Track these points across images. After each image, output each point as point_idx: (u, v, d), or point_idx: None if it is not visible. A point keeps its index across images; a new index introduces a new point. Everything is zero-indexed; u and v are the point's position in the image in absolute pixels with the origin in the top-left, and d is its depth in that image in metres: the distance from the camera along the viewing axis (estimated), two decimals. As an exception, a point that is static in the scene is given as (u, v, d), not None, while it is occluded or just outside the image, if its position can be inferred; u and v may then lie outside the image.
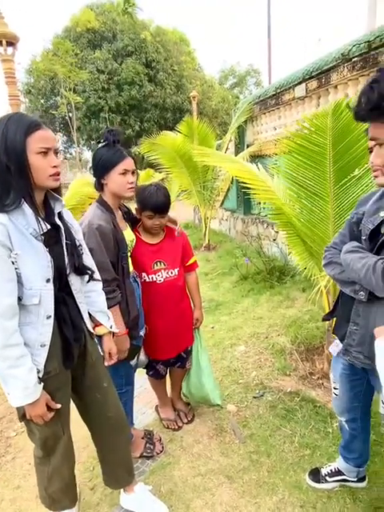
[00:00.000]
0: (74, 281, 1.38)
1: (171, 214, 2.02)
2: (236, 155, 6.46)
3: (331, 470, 1.81)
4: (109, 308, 1.63)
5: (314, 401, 2.39)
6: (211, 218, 7.19)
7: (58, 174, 1.24)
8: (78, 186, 4.25)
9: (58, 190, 1.34)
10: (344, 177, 2.14)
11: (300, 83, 4.61)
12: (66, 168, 23.22)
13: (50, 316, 1.26)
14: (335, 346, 1.54)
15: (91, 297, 1.51)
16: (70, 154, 26.53)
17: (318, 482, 1.81)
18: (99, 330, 1.55)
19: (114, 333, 1.63)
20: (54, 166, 1.22)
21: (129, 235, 1.87)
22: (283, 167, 2.43)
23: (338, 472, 1.80)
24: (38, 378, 1.24)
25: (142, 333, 1.95)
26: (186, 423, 2.31)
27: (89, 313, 1.51)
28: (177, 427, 2.28)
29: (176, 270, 2.02)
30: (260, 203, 5.06)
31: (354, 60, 3.61)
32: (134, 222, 1.99)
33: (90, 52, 21.99)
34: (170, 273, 2.00)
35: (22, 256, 1.17)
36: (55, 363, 1.32)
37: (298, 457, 2.00)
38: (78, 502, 1.71)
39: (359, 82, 3.67)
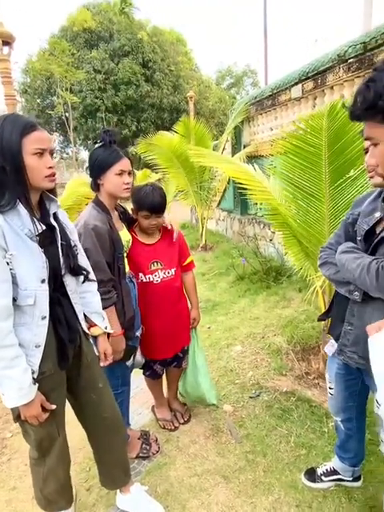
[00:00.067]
0: (69, 281, 1.38)
1: (168, 216, 2.03)
2: (233, 156, 6.47)
3: (327, 470, 1.82)
4: (104, 308, 1.63)
5: (309, 400, 2.40)
6: (208, 219, 7.20)
7: (53, 174, 1.24)
8: (75, 185, 4.24)
9: (53, 191, 1.34)
10: (339, 178, 2.16)
11: (296, 84, 4.63)
12: (63, 168, 23.18)
13: (45, 317, 1.26)
14: (331, 346, 1.55)
15: (86, 297, 1.51)
16: (67, 153, 26.46)
17: (314, 481, 1.82)
18: (94, 331, 1.55)
19: (109, 333, 1.63)
20: (50, 167, 1.23)
21: (125, 236, 1.87)
22: (279, 168, 2.44)
23: (334, 471, 1.80)
24: (33, 378, 1.24)
25: (138, 333, 1.95)
26: (183, 423, 2.32)
27: (84, 313, 1.51)
28: (173, 427, 2.28)
29: (173, 270, 2.02)
30: (256, 204, 5.08)
31: (349, 61, 3.63)
32: (130, 222, 1.99)
33: (86, 52, 21.92)
34: (166, 273, 2.00)
35: (16, 256, 1.17)
36: (50, 364, 1.32)
37: (293, 456, 2.01)
38: (74, 503, 1.71)
39: (355, 83, 3.69)
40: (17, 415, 1.32)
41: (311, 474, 1.84)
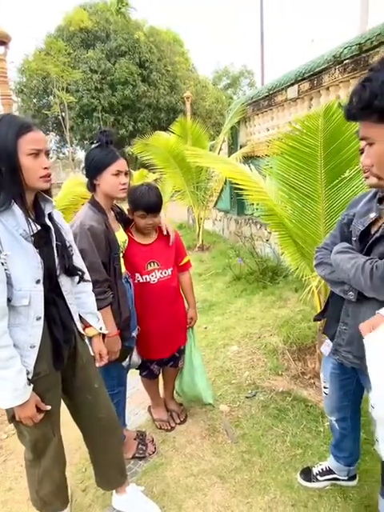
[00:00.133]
0: (65, 282, 1.38)
1: (165, 220, 2.03)
2: (229, 156, 6.48)
3: (322, 469, 1.83)
4: (100, 309, 1.63)
5: (305, 400, 2.41)
6: (205, 219, 7.20)
7: (48, 175, 1.24)
8: (71, 186, 4.23)
9: (48, 192, 1.34)
10: (335, 178, 2.16)
11: (292, 85, 4.64)
12: (59, 168, 23.09)
13: (40, 317, 1.26)
14: (326, 346, 1.56)
15: (81, 298, 1.51)
16: (63, 153, 26.39)
17: (310, 481, 1.83)
18: (89, 332, 1.55)
19: (104, 334, 1.63)
20: (45, 168, 1.23)
21: (121, 236, 1.87)
22: (275, 168, 2.45)
23: (329, 471, 1.81)
24: (28, 379, 1.24)
25: (134, 334, 1.95)
26: (179, 424, 2.32)
27: (79, 314, 1.51)
28: (169, 428, 2.28)
29: (169, 270, 2.02)
30: (253, 204, 5.08)
31: (345, 62, 3.64)
32: (126, 222, 1.99)
33: (83, 51, 21.88)
34: (163, 273, 2.00)
35: (11, 257, 1.17)
36: (45, 364, 1.31)
37: (289, 456, 2.01)
38: (69, 504, 1.71)
39: (350, 84, 3.71)
40: (11, 416, 1.32)
41: (307, 474, 1.85)
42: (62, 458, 1.57)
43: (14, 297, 1.20)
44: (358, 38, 3.47)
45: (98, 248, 1.64)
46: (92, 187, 1.76)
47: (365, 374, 1.10)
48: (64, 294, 1.38)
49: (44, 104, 22.94)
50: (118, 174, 1.69)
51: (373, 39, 3.27)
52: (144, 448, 2.10)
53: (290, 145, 2.18)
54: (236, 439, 2.16)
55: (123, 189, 1.73)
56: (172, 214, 9.84)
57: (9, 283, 1.18)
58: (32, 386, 1.26)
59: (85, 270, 1.50)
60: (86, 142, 23.08)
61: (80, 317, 1.51)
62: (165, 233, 2.01)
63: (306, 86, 4.39)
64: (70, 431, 1.74)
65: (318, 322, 2.54)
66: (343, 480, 1.80)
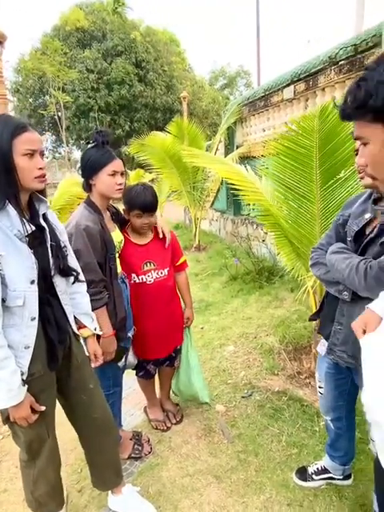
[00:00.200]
0: (59, 282, 1.38)
1: (161, 221, 2.03)
2: (226, 156, 6.49)
3: (317, 469, 1.84)
4: (96, 309, 1.63)
5: (301, 400, 2.41)
6: (201, 219, 7.20)
7: (43, 175, 1.24)
8: (67, 185, 4.22)
9: (42, 192, 1.33)
10: (330, 179, 2.17)
11: (288, 85, 4.65)
12: (55, 168, 23.01)
13: (35, 318, 1.26)
14: (322, 346, 1.56)
15: (76, 298, 1.51)
16: (59, 153, 26.29)
17: (305, 480, 1.83)
18: (83, 332, 1.55)
19: (99, 334, 1.63)
20: (40, 168, 1.23)
21: (117, 236, 1.86)
22: (271, 169, 2.45)
23: (325, 470, 1.82)
24: (22, 380, 1.23)
25: (130, 334, 1.94)
26: (175, 424, 2.32)
27: (73, 315, 1.50)
28: (165, 428, 2.28)
29: (166, 271, 2.02)
30: (249, 204, 5.10)
31: (340, 63, 3.66)
32: (122, 223, 1.99)
33: (79, 51, 21.80)
34: (159, 273, 2.00)
35: (5, 257, 1.17)
36: (39, 365, 1.31)
37: (285, 456, 2.02)
38: (65, 505, 1.70)
39: (346, 84, 3.72)
40: (6, 417, 1.31)
41: (302, 473, 1.86)
42: (57, 459, 1.56)
43: (9, 297, 1.19)
44: (353, 38, 3.49)
45: (93, 248, 1.64)
46: (88, 187, 1.76)
47: (359, 373, 1.11)
48: (59, 294, 1.37)
49: (40, 104, 22.83)
50: (114, 174, 1.69)
51: (368, 40, 3.28)
52: (140, 448, 2.10)
53: (286, 145, 2.19)
54: (232, 439, 2.17)
55: (119, 189, 1.73)
56: (169, 214, 9.85)
57: (3, 284, 1.18)
58: (26, 386, 1.26)
59: (79, 270, 1.50)
60: (82, 142, 22.98)
61: (75, 317, 1.51)
62: (161, 236, 2.01)
63: (301, 86, 4.40)
64: (65, 432, 1.73)
65: (314, 322, 2.55)
66: (338, 479, 1.81)
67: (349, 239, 1.38)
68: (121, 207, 2.00)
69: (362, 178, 1.34)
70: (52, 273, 1.33)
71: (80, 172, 1.77)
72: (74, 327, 1.49)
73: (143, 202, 1.85)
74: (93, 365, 1.61)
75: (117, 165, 1.70)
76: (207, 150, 6.87)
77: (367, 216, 1.32)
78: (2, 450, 2.25)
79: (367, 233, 1.32)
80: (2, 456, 2.20)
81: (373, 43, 3.24)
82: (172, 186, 7.27)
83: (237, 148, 6.53)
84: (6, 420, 1.32)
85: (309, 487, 1.82)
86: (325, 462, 1.83)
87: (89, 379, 1.55)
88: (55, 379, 1.44)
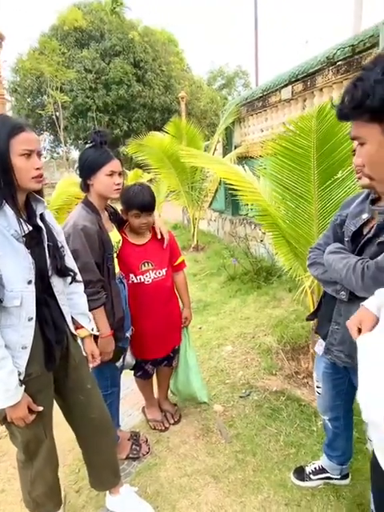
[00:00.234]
0: (56, 282, 1.38)
1: (159, 222, 2.03)
2: (224, 156, 6.49)
3: (315, 468, 1.84)
4: (94, 309, 1.63)
5: (299, 400, 2.42)
6: (200, 219, 7.20)
7: (40, 176, 1.24)
8: (65, 185, 4.22)
9: (39, 192, 1.33)
10: (328, 179, 2.18)
11: (286, 86, 4.66)
12: (53, 167, 22.97)
13: (32, 318, 1.26)
14: (320, 345, 1.57)
15: (73, 299, 1.51)
16: (57, 153, 26.23)
17: (303, 480, 1.84)
18: (81, 333, 1.55)
19: (97, 334, 1.63)
20: (37, 168, 1.23)
21: (115, 236, 1.86)
22: (269, 169, 2.46)
23: (322, 470, 1.82)
24: (19, 380, 1.23)
25: (128, 334, 1.94)
26: (173, 424, 2.32)
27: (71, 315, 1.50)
28: (163, 428, 2.28)
29: (164, 271, 2.02)
30: (247, 204, 5.11)
31: (338, 64, 3.67)
32: (120, 223, 1.99)
33: (77, 51, 21.76)
34: (157, 273, 2.00)
35: (2, 258, 1.16)
36: (37, 365, 1.31)
37: (283, 455, 2.02)
38: (63, 505, 1.70)
39: (343, 85, 3.73)
40: (3, 417, 1.31)
41: (300, 473, 1.86)
42: (55, 459, 1.56)
43: (6, 298, 1.19)
44: (350, 39, 3.50)
45: (91, 248, 1.64)
46: (86, 187, 1.76)
47: (356, 373, 1.11)
48: (56, 294, 1.37)
49: (38, 103, 22.78)
50: (111, 174, 1.69)
51: (365, 41, 3.30)
52: (138, 448, 2.10)
53: (284, 146, 2.19)
54: (230, 439, 2.17)
55: (117, 189, 1.73)
56: (167, 215, 9.84)
57: (0, 284, 1.18)
58: (24, 386, 1.26)
59: (77, 270, 1.50)
60: (80, 142, 22.95)
61: (72, 318, 1.51)
62: (159, 236, 2.01)
63: (299, 87, 4.41)
64: (63, 432, 1.73)
65: (312, 322, 2.55)
66: (336, 479, 1.81)
67: (346, 239, 1.38)
68: (119, 207, 2.00)
69: (359, 178, 1.34)
70: (49, 273, 1.33)
71: (78, 172, 1.77)
72: (72, 327, 1.49)
73: (141, 201, 1.86)
74: (90, 365, 1.61)
75: (115, 165, 1.70)
76: (205, 150, 6.88)
77: (365, 216, 1.32)
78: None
79: (364, 233, 1.32)
80: (-1, 456, 2.20)
81: (370, 44, 3.25)
82: (170, 186, 7.27)
83: (235, 148, 6.54)
84: (4, 420, 1.32)
85: (306, 487, 1.82)
86: (322, 461, 1.83)
87: (86, 379, 1.55)
88: (52, 379, 1.44)
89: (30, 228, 1.24)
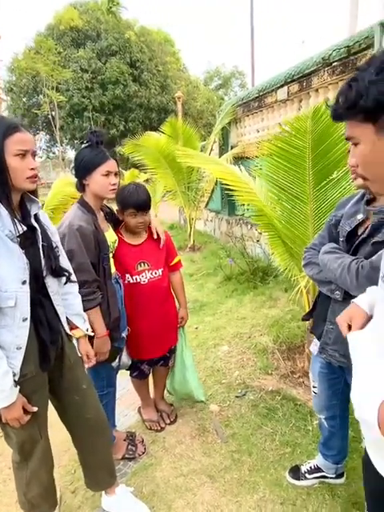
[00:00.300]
0: (51, 283, 1.37)
1: (155, 222, 2.03)
2: (220, 156, 6.50)
3: (311, 467, 1.85)
4: (89, 309, 1.62)
5: (294, 399, 2.43)
6: (196, 219, 7.21)
7: (35, 176, 1.24)
8: (61, 185, 4.20)
9: (34, 192, 1.33)
10: (323, 179, 2.19)
11: (282, 86, 4.67)
12: (49, 167, 22.89)
13: (26, 318, 1.25)
14: (315, 345, 1.58)
15: (68, 299, 1.51)
16: (53, 153, 26.14)
17: (298, 479, 1.84)
18: (76, 333, 1.55)
19: (92, 335, 1.63)
20: (32, 169, 1.22)
21: (111, 236, 1.86)
22: (265, 170, 2.46)
23: (317, 469, 1.83)
24: (14, 381, 1.23)
25: (123, 335, 1.94)
26: (169, 424, 2.32)
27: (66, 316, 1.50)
28: (159, 428, 2.28)
29: (160, 271, 2.02)
30: (243, 205, 5.12)
31: (334, 64, 3.69)
32: (116, 223, 1.99)
33: (73, 50, 21.70)
34: (153, 273, 2.00)
35: None
36: (31, 366, 1.31)
37: (278, 455, 2.03)
38: (58, 506, 1.70)
39: (339, 86, 3.73)
40: (-2, 418, 1.31)
41: (295, 472, 1.87)
42: (50, 460, 1.55)
43: (0, 298, 1.19)
44: (346, 40, 3.52)
45: (86, 248, 1.64)
46: (81, 187, 1.76)
47: (351, 372, 1.12)
48: (51, 294, 1.37)
49: (34, 103, 22.69)
50: (107, 174, 1.69)
51: (361, 42, 3.31)
52: (134, 449, 2.10)
53: (279, 146, 2.20)
54: (226, 439, 2.17)
55: (113, 189, 1.73)
56: (163, 215, 9.84)
57: None
58: (18, 387, 1.25)
59: (71, 271, 1.50)
60: (76, 142, 22.88)
61: (67, 318, 1.50)
62: (155, 236, 2.01)
63: (295, 87, 4.43)
64: (58, 433, 1.73)
65: (307, 322, 2.56)
66: (331, 478, 1.82)
67: (341, 239, 1.39)
68: (115, 207, 2.00)
69: (355, 178, 1.35)
70: (44, 273, 1.33)
71: (74, 172, 1.76)
72: (66, 328, 1.49)
73: (136, 200, 1.86)
74: (86, 365, 1.60)
75: (110, 165, 1.70)
76: (202, 151, 6.88)
77: (359, 217, 1.33)
78: (-6, 452, 2.23)
79: (359, 233, 1.33)
80: (-6, 458, 2.19)
81: (365, 45, 3.27)
82: (166, 186, 7.27)
83: (231, 148, 6.55)
84: (-2, 421, 1.32)
85: (302, 486, 1.83)
86: (318, 460, 1.84)
87: (82, 379, 1.55)
88: (47, 380, 1.43)
89: (25, 228, 1.24)
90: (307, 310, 2.42)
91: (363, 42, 3.28)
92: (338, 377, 1.55)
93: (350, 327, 0.96)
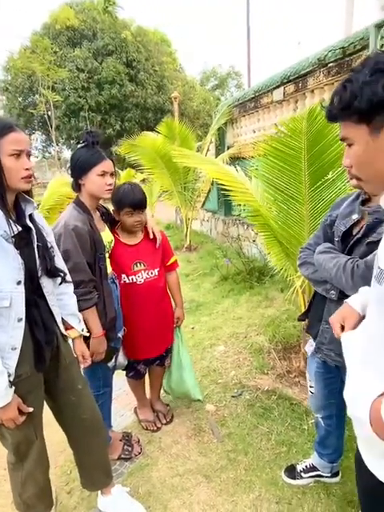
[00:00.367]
0: (46, 283, 1.37)
1: (151, 222, 2.03)
2: (216, 157, 6.50)
3: (306, 466, 1.86)
4: (85, 309, 1.62)
5: (290, 399, 2.44)
6: (192, 219, 7.21)
7: (30, 176, 1.24)
8: (57, 185, 4.20)
9: (29, 192, 1.33)
10: (318, 180, 2.19)
11: (278, 87, 4.69)
12: (45, 167, 22.80)
13: (21, 319, 1.25)
14: (310, 345, 1.58)
15: (63, 300, 1.50)
16: (49, 153, 26.05)
17: (294, 478, 1.85)
18: (71, 333, 1.54)
19: (88, 334, 1.62)
20: (27, 169, 1.22)
21: (107, 236, 1.86)
22: (261, 170, 2.47)
23: (313, 468, 1.84)
24: (9, 381, 1.22)
25: (120, 335, 1.94)
26: (165, 424, 2.32)
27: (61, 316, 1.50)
28: (155, 428, 2.28)
29: (156, 271, 2.02)
30: (239, 205, 5.13)
31: (329, 65, 3.70)
32: (112, 223, 1.99)
33: (69, 50, 21.63)
34: (150, 273, 2.00)
35: None
36: (27, 366, 1.30)
37: (274, 454, 2.04)
38: (54, 507, 1.69)
39: (334, 86, 3.76)
40: (-7, 419, 1.30)
41: (291, 471, 1.87)
42: (45, 461, 1.55)
43: None
44: (341, 41, 3.53)
45: (82, 248, 1.64)
46: (77, 187, 1.75)
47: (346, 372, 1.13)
48: (46, 295, 1.37)
49: (29, 103, 22.60)
50: (103, 174, 1.69)
51: (356, 43, 3.33)
52: (130, 449, 2.10)
53: (275, 147, 2.21)
54: (222, 438, 2.18)
55: (109, 189, 1.73)
56: (160, 215, 9.84)
57: None
58: (14, 388, 1.25)
59: (66, 271, 1.50)
60: (72, 142, 22.82)
61: (62, 319, 1.50)
62: (151, 236, 2.02)
63: (291, 88, 4.44)
64: (54, 433, 1.72)
65: (303, 322, 2.57)
66: (326, 477, 1.83)
67: (336, 239, 1.40)
68: (111, 208, 2.00)
69: (351, 178, 1.36)
70: (39, 274, 1.32)
71: (69, 172, 1.76)
72: (62, 328, 1.48)
73: (132, 199, 1.86)
74: (82, 365, 1.60)
75: (106, 165, 1.70)
76: (198, 151, 6.89)
77: (354, 217, 1.34)
78: (-11, 453, 2.22)
79: (354, 233, 1.34)
80: (-11, 459, 2.18)
81: (361, 46, 3.29)
82: (163, 187, 7.27)
83: (227, 149, 6.56)
84: (-7, 422, 1.31)
85: (297, 485, 1.84)
86: (313, 459, 1.85)
87: (77, 380, 1.54)
88: (43, 380, 1.43)
89: (20, 228, 1.24)
90: (303, 309, 2.42)
91: (358, 43, 3.30)
92: (335, 376, 1.56)
93: (343, 327, 0.97)
